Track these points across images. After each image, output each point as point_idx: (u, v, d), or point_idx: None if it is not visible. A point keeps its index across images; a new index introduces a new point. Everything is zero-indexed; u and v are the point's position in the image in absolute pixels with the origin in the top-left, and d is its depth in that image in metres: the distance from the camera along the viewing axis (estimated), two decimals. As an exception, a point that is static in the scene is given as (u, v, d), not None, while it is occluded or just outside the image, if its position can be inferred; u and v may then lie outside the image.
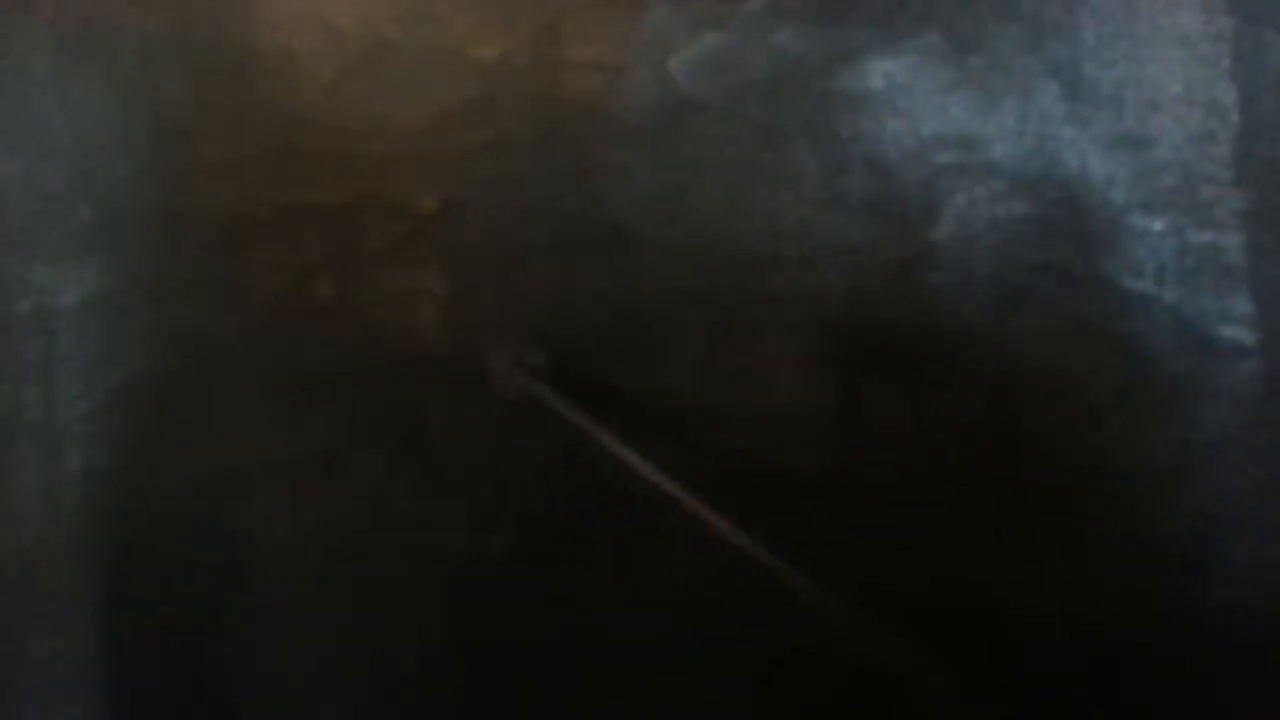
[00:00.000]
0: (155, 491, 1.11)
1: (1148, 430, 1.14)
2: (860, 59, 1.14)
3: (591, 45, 1.12)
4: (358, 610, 1.11)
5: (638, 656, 1.14)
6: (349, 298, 1.13)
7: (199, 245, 1.12)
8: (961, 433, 1.14)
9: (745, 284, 1.14)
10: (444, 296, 1.13)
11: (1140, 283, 1.14)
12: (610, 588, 1.13)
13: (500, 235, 1.13)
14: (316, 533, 1.11)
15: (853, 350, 1.15)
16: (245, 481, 1.11)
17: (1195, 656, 1.11)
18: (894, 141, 1.15)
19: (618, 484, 1.13)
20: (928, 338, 1.15)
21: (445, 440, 1.12)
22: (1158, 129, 1.14)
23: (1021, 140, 1.15)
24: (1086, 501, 1.13)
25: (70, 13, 1.09)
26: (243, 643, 1.11)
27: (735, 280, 1.14)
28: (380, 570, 1.12)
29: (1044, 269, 1.15)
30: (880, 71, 1.14)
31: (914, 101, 1.15)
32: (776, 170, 1.14)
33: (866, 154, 1.15)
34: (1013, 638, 1.12)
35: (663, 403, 1.14)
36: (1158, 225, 1.14)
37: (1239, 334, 1.13)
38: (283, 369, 1.12)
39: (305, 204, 1.12)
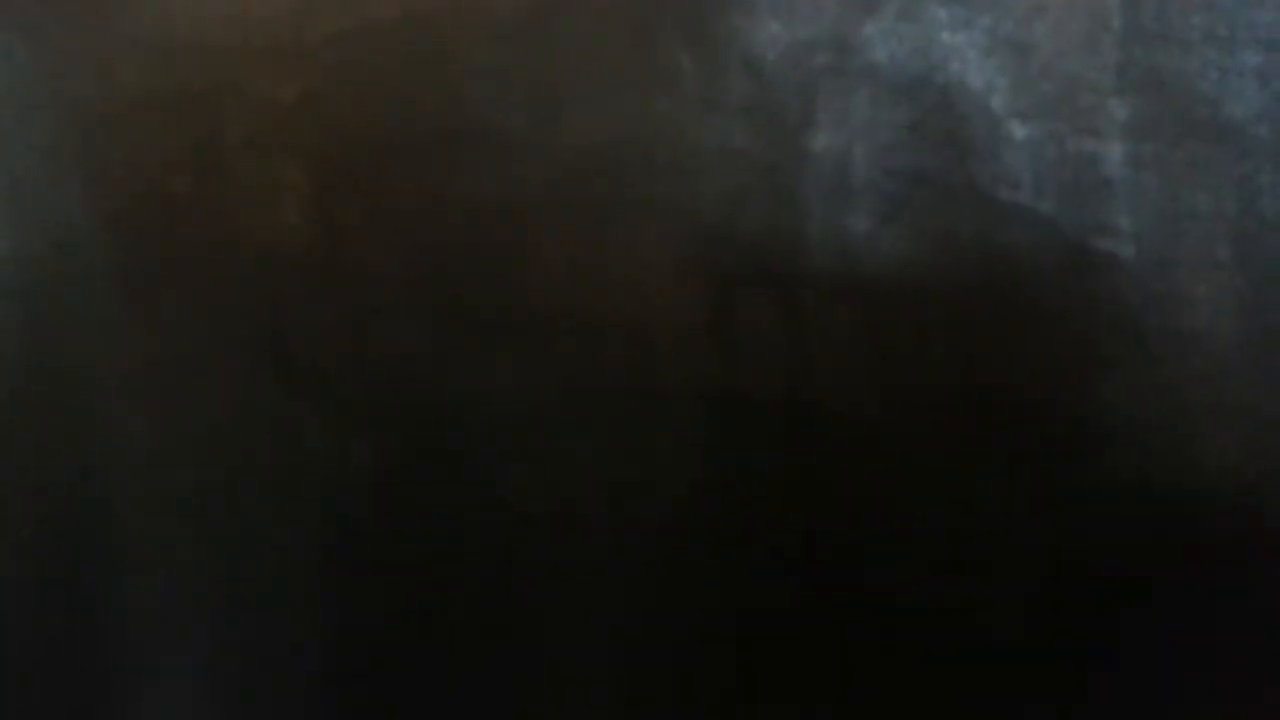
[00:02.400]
0: (13, 382, 1.08)
1: (1020, 342, 1.12)
2: (737, -43, 1.11)
3: (460, -64, 1.09)
4: (217, 512, 1.09)
5: (502, 576, 1.12)
6: (208, 192, 1.09)
7: (54, 137, 1.08)
8: (834, 343, 1.12)
9: (616, 188, 1.11)
10: (305, 192, 1.10)
11: (1017, 194, 1.12)
12: (474, 499, 1.11)
13: (363, 130, 1.10)
14: (174, 431, 1.09)
15: (726, 258, 1.12)
16: (102, 376, 1.08)
17: (1061, 569, 1.11)
18: (771, 43, 1.12)
19: (483, 394, 1.11)
20: (802, 247, 1.12)
21: (305, 339, 1.09)
22: (1039, 34, 1.12)
23: (900, 44, 1.12)
24: (958, 414, 1.12)
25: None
26: (99, 546, 1.08)
27: (606, 184, 1.11)
28: (239, 471, 1.09)
29: (920, 178, 1.12)
30: (758, -30, 1.11)
31: (791, 2, 1.12)
32: (651, 71, 1.11)
33: (743, 55, 1.12)
34: (879, 547, 1.11)
35: (528, 311, 1.11)
36: (1036, 134, 1.12)
37: (1115, 246, 1.12)
38: (141, 264, 1.09)
39: (162, 95, 1.08)
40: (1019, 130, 1.12)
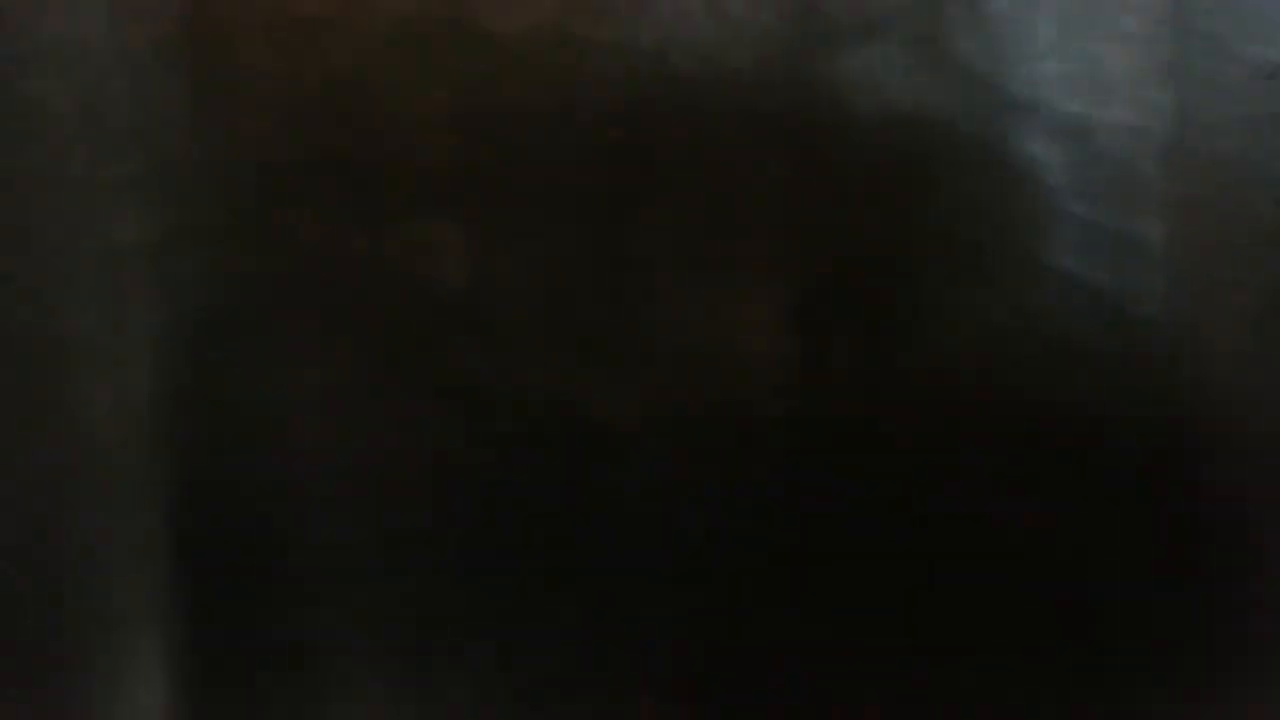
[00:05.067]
0: (202, 422, 1.25)
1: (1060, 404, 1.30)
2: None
3: (609, 23, 1.25)
4: (386, 520, 1.27)
5: (625, 582, 1.31)
6: (376, 247, 1.26)
7: (242, 196, 1.25)
8: (908, 377, 1.30)
9: (721, 245, 1.29)
10: (464, 248, 1.27)
11: (1067, 263, 1.30)
12: (587, 509, 1.30)
13: (516, 195, 1.27)
14: (349, 451, 1.26)
15: (813, 302, 1.30)
16: (286, 418, 1.26)
17: (1115, 605, 1.29)
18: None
19: (611, 420, 1.29)
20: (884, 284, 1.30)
21: (460, 373, 1.27)
22: (1097, 121, 1.29)
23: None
24: (1006, 467, 1.30)
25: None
26: (287, 567, 1.27)
27: (712, 241, 1.29)
28: (404, 485, 1.27)
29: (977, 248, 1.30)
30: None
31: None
32: (754, 129, 1.28)
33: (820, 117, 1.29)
34: (979, 571, 1.30)
35: (652, 350, 1.29)
36: (1089, 212, 1.30)
37: (1149, 310, 1.30)
38: (321, 313, 1.26)
39: (338, 160, 1.25)
40: (1075, 207, 1.30)
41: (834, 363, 1.29)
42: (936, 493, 1.32)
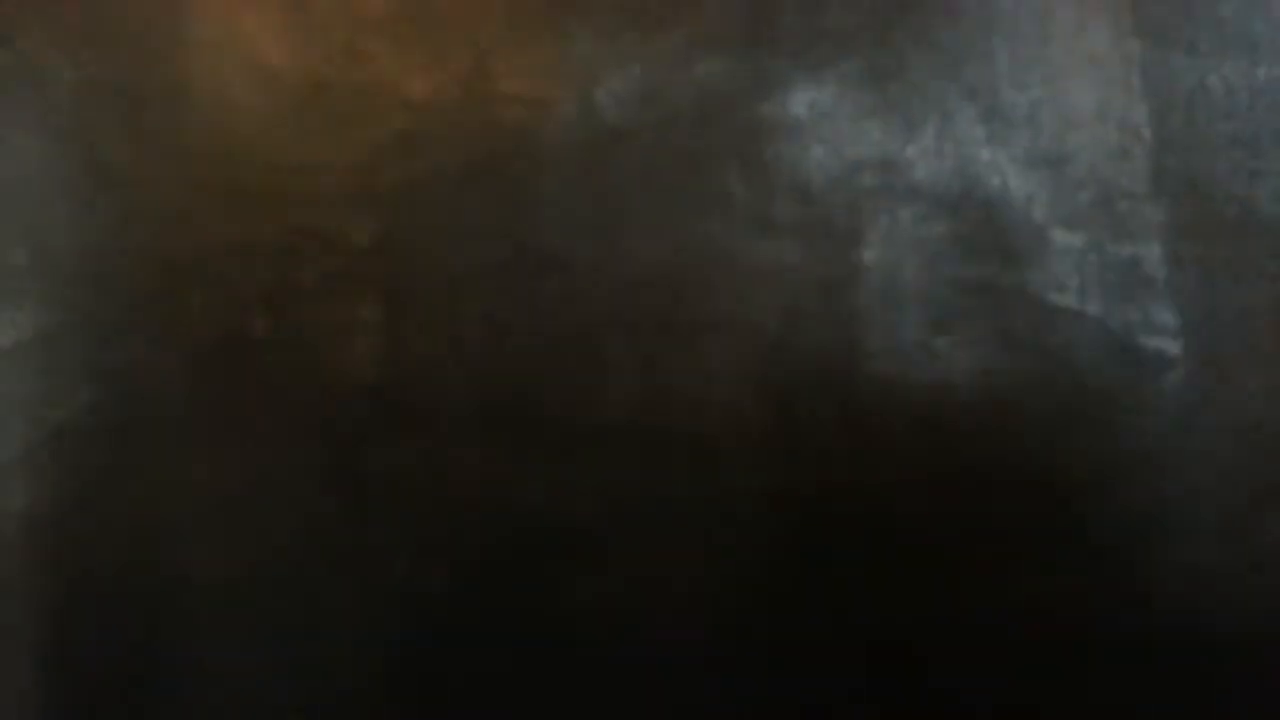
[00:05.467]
0: (93, 529, 1.10)
1: (1079, 441, 1.15)
2: (783, 88, 1.18)
3: (519, 79, 1.15)
4: (296, 646, 1.10)
5: (579, 686, 1.12)
6: (284, 333, 1.13)
7: (134, 286, 1.13)
8: (896, 449, 1.14)
9: (677, 310, 1.16)
10: (378, 328, 1.14)
11: (1065, 297, 1.16)
12: (550, 620, 1.12)
13: (434, 266, 1.15)
14: (251, 568, 1.10)
15: (785, 371, 1.16)
16: (180, 518, 1.11)
17: (1130, 653, 1.11)
18: (818, 167, 1.18)
19: (555, 516, 1.13)
20: (859, 356, 1.16)
21: (380, 469, 1.12)
22: (1073, 147, 1.17)
23: (941, 162, 1.18)
24: (1021, 511, 1.14)
25: (1, 56, 1.12)
26: (180, 683, 1.09)
27: (667, 306, 1.15)
28: (317, 605, 1.10)
29: (969, 286, 1.17)
30: (803, 100, 1.18)
31: (836, 128, 1.18)
32: (704, 197, 1.17)
33: (792, 180, 1.18)
34: (951, 645, 1.12)
35: (598, 427, 1.14)
36: (1078, 240, 1.17)
37: (1163, 344, 1.15)
38: (218, 405, 1.12)
39: (240, 242, 1.14)
40: (1062, 237, 1.17)
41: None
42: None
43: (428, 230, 1.16)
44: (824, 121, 1.17)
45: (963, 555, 1.13)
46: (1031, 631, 1.11)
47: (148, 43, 1.14)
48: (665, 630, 1.12)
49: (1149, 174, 1.17)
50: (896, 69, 1.17)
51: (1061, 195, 1.17)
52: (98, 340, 1.14)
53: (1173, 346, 1.15)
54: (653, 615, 1.12)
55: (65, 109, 1.15)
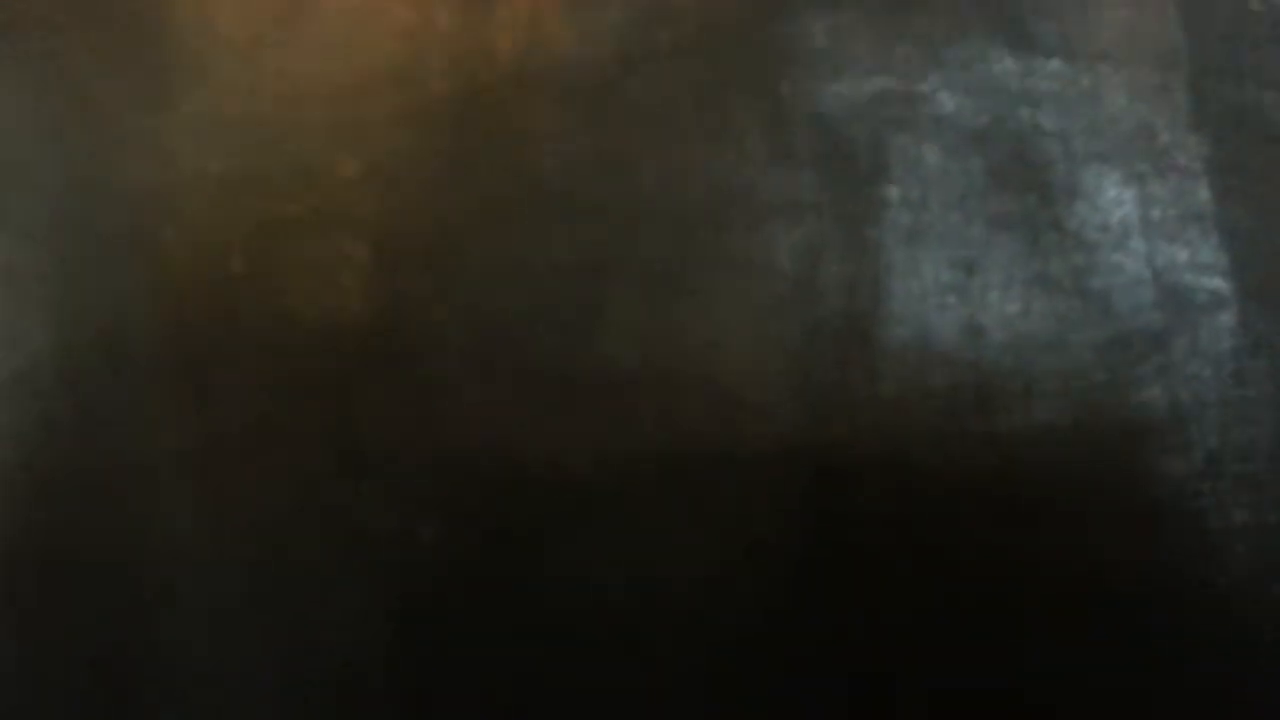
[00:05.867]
0: (61, 477, 1.01)
1: (1127, 388, 1.06)
2: (800, 14, 1.10)
3: (518, 4, 1.08)
4: (279, 602, 1.00)
5: (579, 651, 1.02)
6: (265, 269, 1.05)
7: (103, 221, 1.05)
8: (922, 395, 1.06)
9: (687, 249, 1.07)
10: (367, 266, 1.05)
11: (1105, 235, 1.08)
12: (544, 575, 1.02)
13: (426, 202, 1.07)
14: (232, 519, 1.01)
15: (803, 315, 1.07)
16: (156, 465, 1.01)
17: (1182, 616, 1.01)
18: (838, 98, 1.10)
19: (553, 466, 1.04)
20: (882, 298, 1.07)
21: (369, 418, 1.03)
22: (1108, 79, 1.10)
23: (969, 93, 1.10)
24: (1066, 462, 1.05)
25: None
26: (155, 636, 0.99)
27: (676, 246, 1.07)
28: (301, 558, 1.01)
29: (1001, 224, 1.08)
30: (822, 27, 1.10)
31: (857, 56, 1.10)
32: (716, 130, 1.09)
33: (811, 112, 1.10)
34: (983, 605, 1.02)
35: (602, 374, 1.05)
36: (1117, 175, 1.09)
37: (1212, 283, 1.07)
38: (193, 347, 1.03)
39: (220, 173, 1.05)
40: (1099, 171, 1.09)
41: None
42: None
43: (419, 164, 1.08)
44: (844, 50, 1.09)
45: (989, 508, 1.04)
46: (1065, 584, 1.02)
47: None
48: (668, 587, 1.02)
49: (1189, 106, 1.10)
50: (920, -3, 1.10)
51: (1097, 128, 1.09)
52: (63, 279, 1.06)
53: (1223, 285, 1.07)
54: (656, 571, 1.02)
55: (35, 35, 1.07)
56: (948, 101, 1.10)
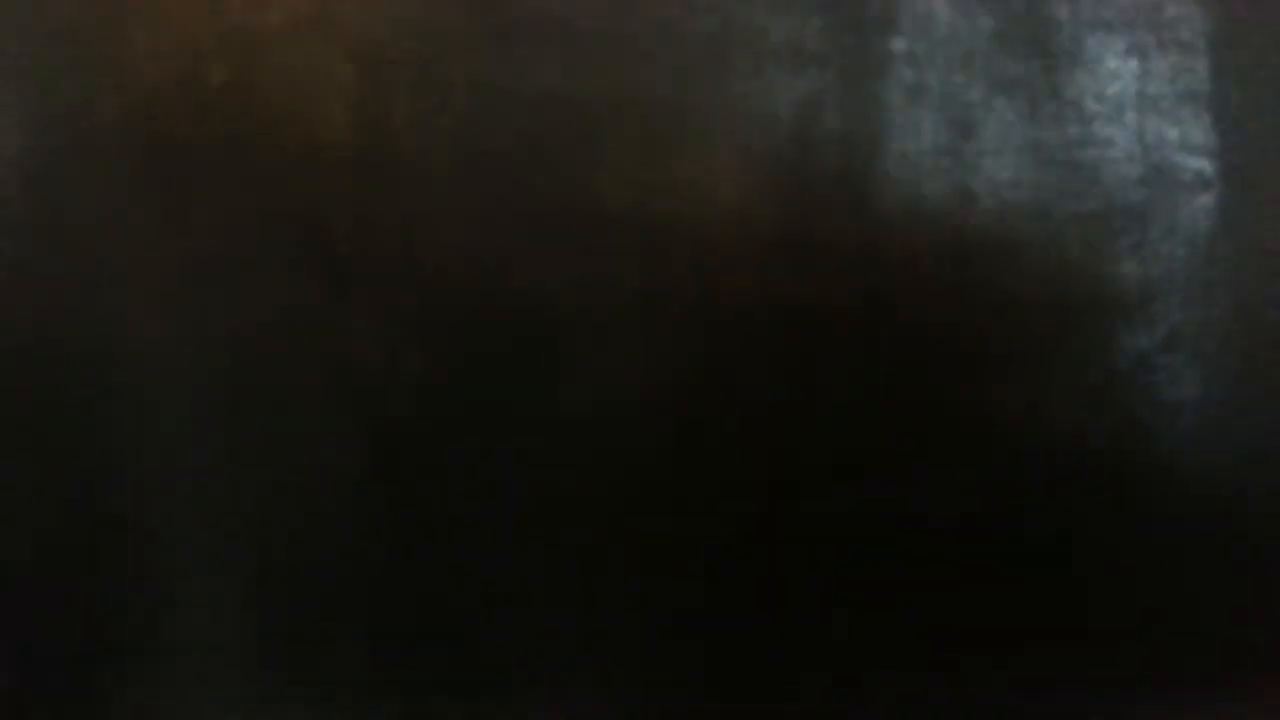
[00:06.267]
0: (27, 287, 0.98)
1: (1102, 260, 1.08)
2: None
3: None
4: (258, 419, 1.00)
5: (558, 487, 1.04)
6: (245, 82, 1.00)
7: (75, 20, 0.98)
8: (912, 252, 1.06)
9: (685, 92, 1.05)
10: (352, 84, 1.01)
11: (1101, 106, 1.07)
12: (517, 398, 1.03)
13: (417, 20, 1.02)
14: (209, 340, 0.99)
15: (799, 163, 1.06)
16: (127, 281, 0.98)
17: (1140, 489, 1.06)
18: (851, -59, 1.06)
19: (534, 297, 1.03)
20: (878, 156, 1.06)
21: (351, 240, 1.01)
22: (1124, -58, 1.07)
23: (984, -52, 1.07)
24: (1037, 327, 1.07)
25: None
26: (126, 464, 0.98)
27: (674, 88, 1.04)
28: (281, 378, 1.00)
29: (1002, 87, 1.07)
30: None
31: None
32: (725, -35, 1.05)
33: (822, -46, 1.06)
34: (953, 464, 1.06)
35: (590, 212, 1.04)
36: (1121, 45, 1.08)
37: (1199, 164, 1.08)
38: (171, 159, 0.99)
39: (198, -27, 0.99)
40: (1104, 41, 1.08)
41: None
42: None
43: (413, -20, 1.03)
44: (862, -110, 1.05)
45: (971, 368, 1.07)
46: (1019, 439, 1.06)
47: None
48: (636, 416, 1.04)
49: (1203, -20, 1.08)
50: None
51: (1110, -3, 1.07)
52: (33, 83, 1.00)
53: (1207, 166, 1.08)
54: (625, 401, 1.04)
55: None
56: (962, -46, 1.07)
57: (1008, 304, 1.07)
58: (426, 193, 1.03)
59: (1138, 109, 1.08)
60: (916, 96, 1.07)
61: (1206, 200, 1.08)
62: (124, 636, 1.01)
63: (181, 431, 1.01)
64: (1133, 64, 1.08)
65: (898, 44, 1.06)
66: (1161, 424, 1.08)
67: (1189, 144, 1.08)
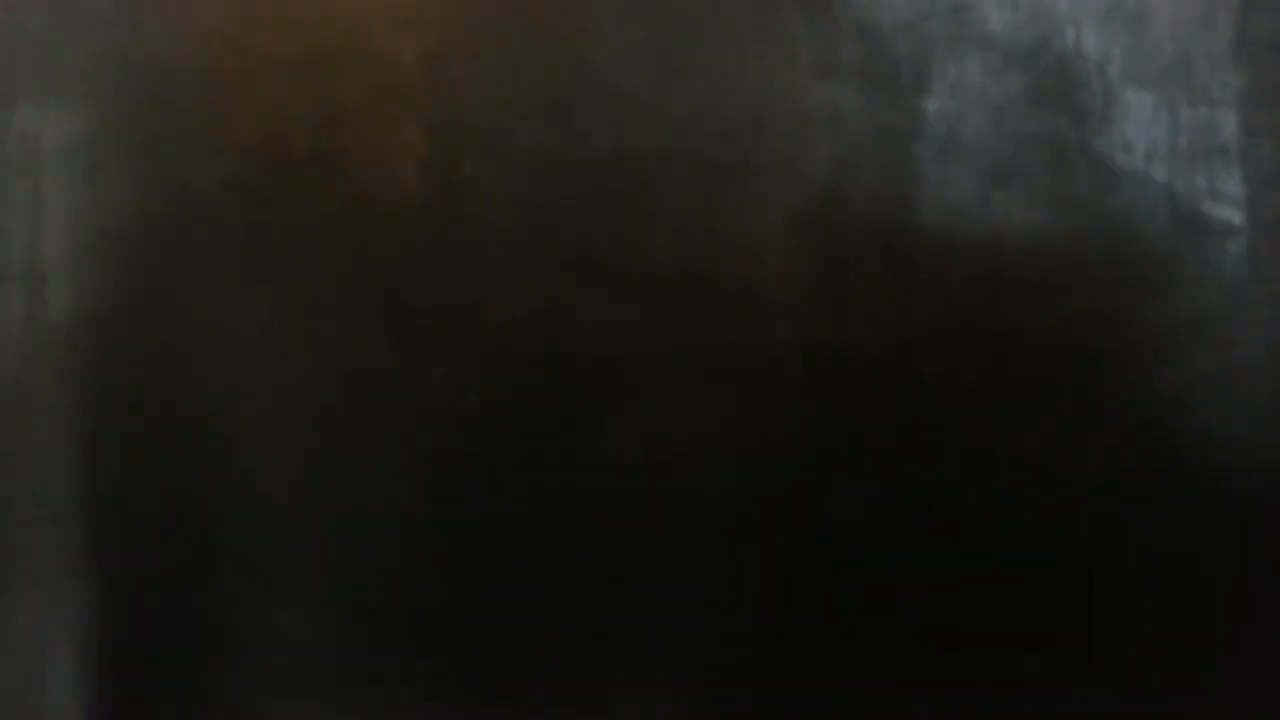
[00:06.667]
0: (134, 338, 1.10)
1: (1132, 308, 1.12)
2: (854, -77, 1.12)
3: (581, -100, 1.11)
4: (334, 458, 1.11)
5: (604, 529, 1.13)
6: (329, 152, 1.11)
7: (179, 96, 1.11)
8: (945, 305, 1.12)
9: (731, 150, 1.13)
10: (423, 151, 1.12)
11: (1131, 159, 1.12)
12: (580, 454, 1.12)
13: (483, 92, 1.12)
14: (292, 386, 1.10)
15: (837, 220, 1.13)
16: (221, 336, 1.10)
17: (1173, 533, 1.10)
18: (887, 9, 1.13)
19: (589, 347, 1.12)
20: (912, 209, 1.13)
21: (421, 295, 1.11)
22: (1156, 4, 1.12)
23: (1016, 11, 1.13)
24: (1069, 377, 1.12)
25: None
26: (212, 497, 1.10)
27: (719, 148, 1.12)
28: (355, 423, 1.11)
29: (1033, 142, 1.13)
30: (874, -63, 1.12)
31: (907, -32, 1.13)
32: (767, 35, 1.12)
33: (859, 21, 1.13)
34: (986, 509, 1.11)
35: (643, 270, 1.12)
36: (1151, 101, 1.12)
37: (1228, 214, 1.12)
38: (258, 224, 1.11)
39: (283, 55, 1.11)
40: (1134, 97, 1.12)
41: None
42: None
43: (476, 54, 1.13)
44: (895, -39, 1.12)
45: (1005, 416, 1.12)
46: (1069, 487, 1.11)
47: None
48: (684, 463, 1.12)
49: (1233, 37, 1.12)
50: (974, -91, 1.11)
51: (1138, 54, 1.12)
52: (142, 150, 1.13)
53: (1236, 216, 1.12)
54: (672, 448, 1.12)
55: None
56: (994, 18, 1.13)
57: (1035, 346, 1.12)
58: (489, 249, 1.13)
59: (1167, 161, 1.13)
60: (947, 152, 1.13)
61: (1235, 247, 1.12)
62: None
63: (272, 468, 1.13)
64: (1163, 117, 1.13)
65: (929, 104, 1.12)
66: (1194, 464, 1.12)
67: (1218, 193, 1.12)
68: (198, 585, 1.11)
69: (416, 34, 1.12)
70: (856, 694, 1.10)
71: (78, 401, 1.11)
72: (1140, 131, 1.12)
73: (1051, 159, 1.13)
